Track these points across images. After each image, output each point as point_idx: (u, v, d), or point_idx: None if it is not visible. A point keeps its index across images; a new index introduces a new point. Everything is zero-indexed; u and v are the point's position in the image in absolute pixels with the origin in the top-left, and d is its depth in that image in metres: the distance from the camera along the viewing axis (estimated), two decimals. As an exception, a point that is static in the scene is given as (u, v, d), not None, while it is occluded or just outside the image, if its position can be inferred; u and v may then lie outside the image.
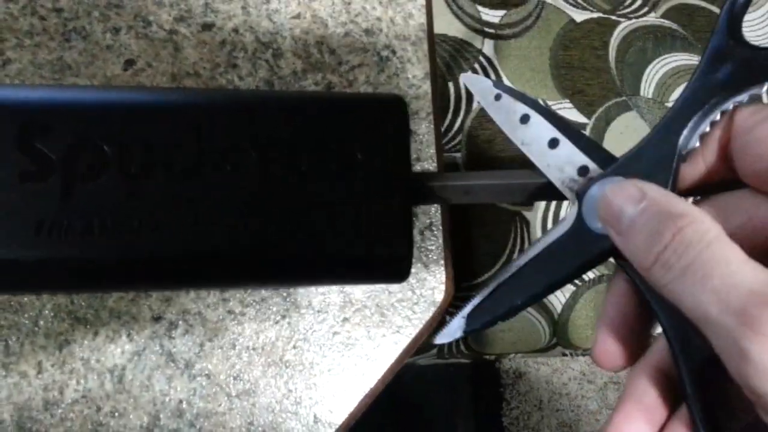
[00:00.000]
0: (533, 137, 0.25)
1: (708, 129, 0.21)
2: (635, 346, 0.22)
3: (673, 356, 0.20)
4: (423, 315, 0.31)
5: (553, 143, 0.24)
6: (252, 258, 0.25)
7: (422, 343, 0.31)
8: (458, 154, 0.63)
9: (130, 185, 0.25)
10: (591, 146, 0.24)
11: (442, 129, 0.64)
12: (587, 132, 0.66)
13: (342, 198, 0.25)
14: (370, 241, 0.25)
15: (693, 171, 0.22)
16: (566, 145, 0.24)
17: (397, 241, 0.25)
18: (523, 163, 0.27)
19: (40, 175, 0.24)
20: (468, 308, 0.24)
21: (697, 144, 0.22)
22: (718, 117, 0.21)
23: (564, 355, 0.67)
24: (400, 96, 0.29)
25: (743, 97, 0.21)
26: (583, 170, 0.24)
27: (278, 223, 0.25)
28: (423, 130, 0.32)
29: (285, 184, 0.25)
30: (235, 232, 0.25)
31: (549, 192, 0.27)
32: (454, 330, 0.24)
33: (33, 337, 0.27)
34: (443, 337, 0.24)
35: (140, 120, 0.26)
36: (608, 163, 0.23)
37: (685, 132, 0.21)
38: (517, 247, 0.62)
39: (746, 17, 0.84)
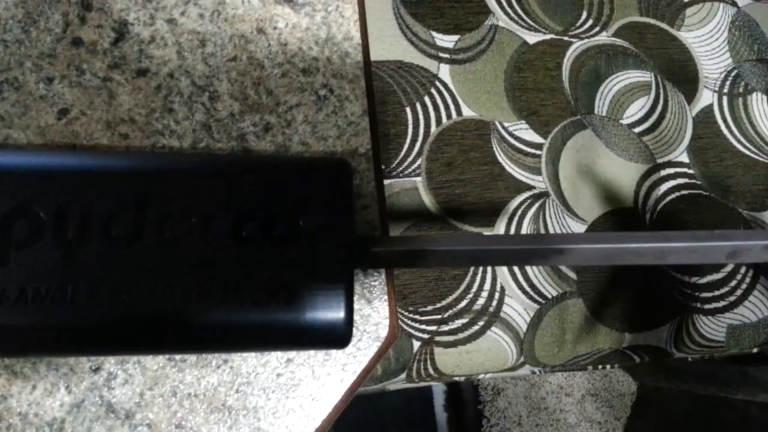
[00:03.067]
0: None
1: None
2: None
3: None
4: (368, 351, 0.31)
5: None
6: (190, 326, 0.25)
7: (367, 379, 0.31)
8: (418, 179, 0.63)
9: (65, 252, 0.24)
10: None
11: (401, 154, 0.64)
12: (544, 151, 0.67)
13: (283, 266, 0.25)
14: (309, 310, 0.25)
15: None
16: None
17: (337, 310, 0.25)
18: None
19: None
20: None
21: None
22: None
23: (533, 372, 0.67)
24: (345, 160, 0.29)
25: None
26: None
27: (218, 291, 0.25)
28: (363, 166, 0.33)
29: (226, 252, 0.25)
30: (174, 300, 0.24)
31: (497, 258, 0.27)
32: None
33: (-33, 395, 0.27)
34: None
35: (78, 185, 0.25)
36: None
37: None
38: (469, 274, 0.63)
39: (695, 33, 0.86)
